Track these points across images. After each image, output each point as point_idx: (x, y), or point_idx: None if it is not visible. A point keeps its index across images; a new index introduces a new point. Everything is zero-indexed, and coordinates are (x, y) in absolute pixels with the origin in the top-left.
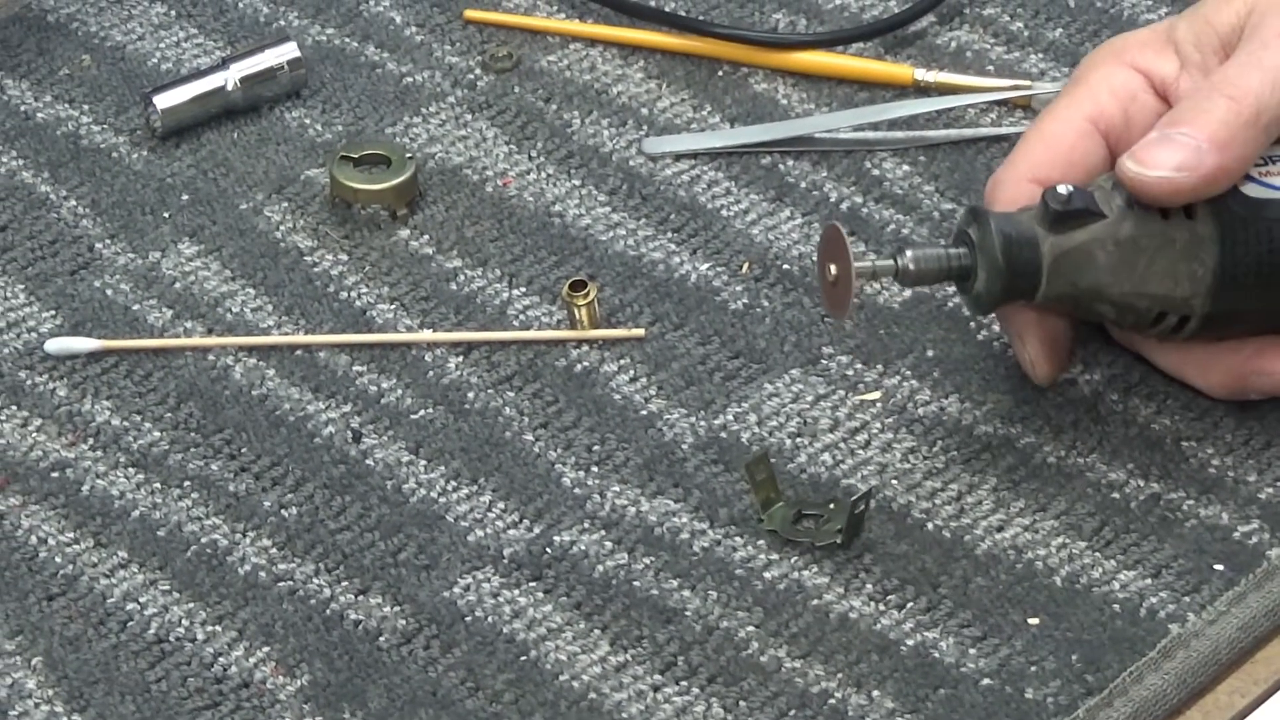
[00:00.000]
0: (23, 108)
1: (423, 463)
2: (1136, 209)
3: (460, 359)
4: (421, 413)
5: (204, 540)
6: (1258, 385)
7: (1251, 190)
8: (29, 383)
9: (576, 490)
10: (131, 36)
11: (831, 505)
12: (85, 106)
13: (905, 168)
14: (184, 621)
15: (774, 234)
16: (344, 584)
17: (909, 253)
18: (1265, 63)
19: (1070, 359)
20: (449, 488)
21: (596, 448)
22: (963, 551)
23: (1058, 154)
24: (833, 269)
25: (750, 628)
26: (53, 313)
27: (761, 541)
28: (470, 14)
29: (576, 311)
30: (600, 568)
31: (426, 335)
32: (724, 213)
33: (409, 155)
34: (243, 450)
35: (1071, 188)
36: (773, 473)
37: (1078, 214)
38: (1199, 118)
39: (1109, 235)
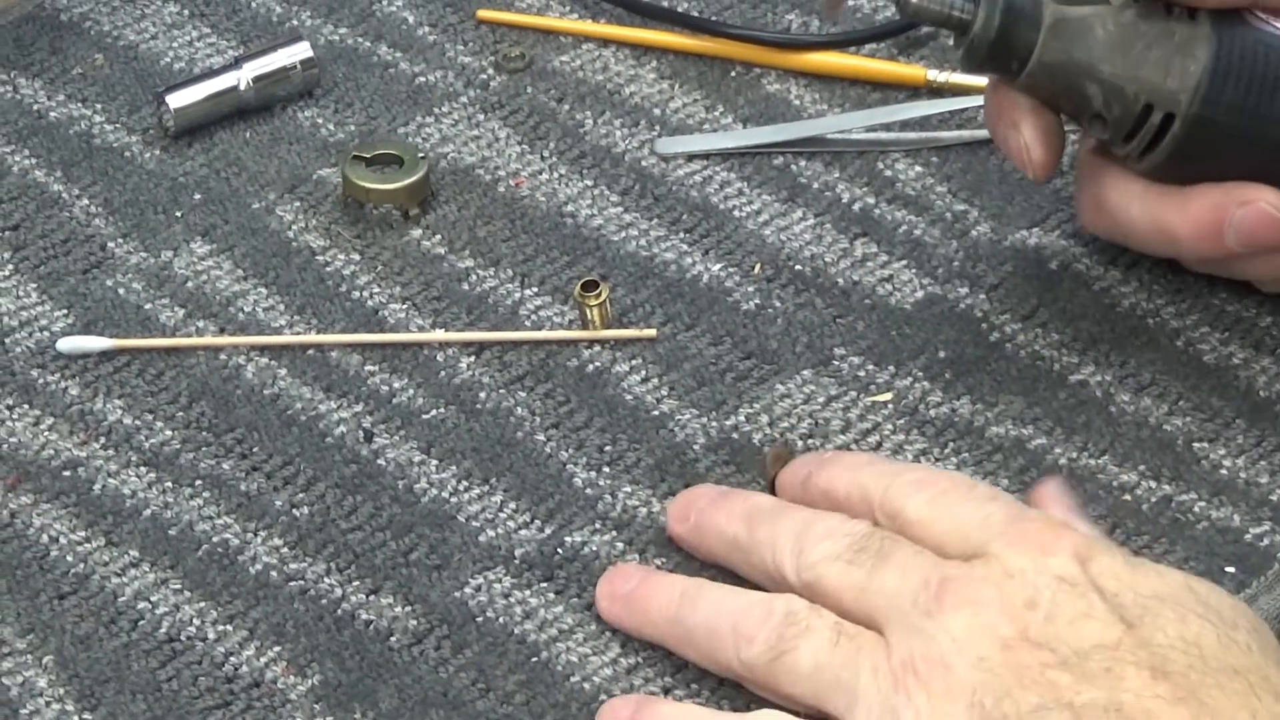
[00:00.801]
0: (35, 107)
1: (434, 463)
2: (1142, 2)
3: (472, 359)
4: (433, 413)
5: (215, 539)
6: (1237, 221)
7: (1257, 24)
8: (41, 381)
9: (588, 491)
10: (144, 36)
11: None
12: (98, 105)
13: (918, 169)
14: (195, 621)
15: (786, 235)
16: (355, 584)
17: None
18: None
19: (1061, 155)
20: (460, 488)
21: (608, 448)
22: None
23: None
24: None
25: None
26: (65, 312)
27: None
28: (483, 14)
29: (588, 312)
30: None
31: (438, 335)
32: (736, 213)
33: (421, 155)
34: (254, 450)
35: None
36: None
37: None
38: None
39: (1110, 14)
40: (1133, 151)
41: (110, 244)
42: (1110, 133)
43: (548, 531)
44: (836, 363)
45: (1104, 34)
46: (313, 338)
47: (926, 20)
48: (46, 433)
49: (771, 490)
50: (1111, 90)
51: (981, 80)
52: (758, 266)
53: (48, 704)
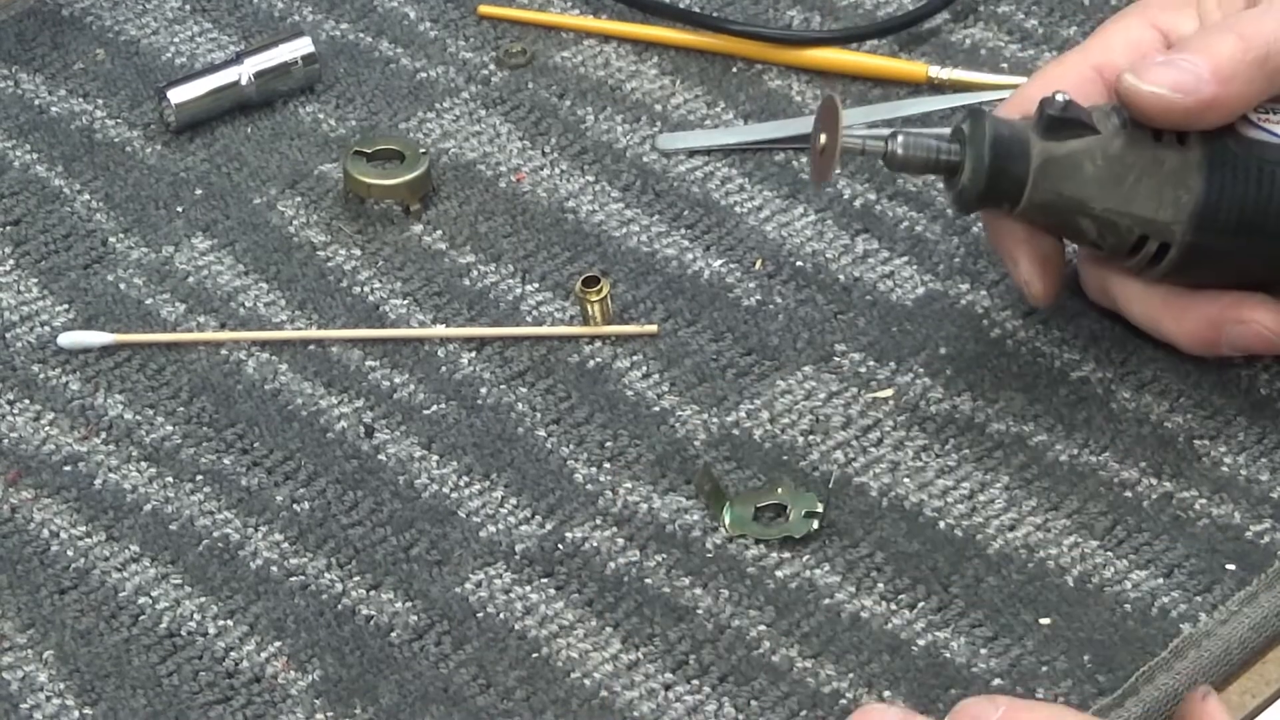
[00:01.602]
0: (37, 102)
1: (435, 458)
2: (1130, 129)
3: (473, 355)
4: (434, 408)
5: (216, 535)
6: (1232, 336)
7: (1249, 132)
8: (42, 376)
9: (588, 487)
10: (146, 31)
11: (780, 490)
12: (99, 101)
13: None
14: (196, 616)
15: (787, 230)
16: (356, 579)
17: (900, 137)
18: None
19: (1065, 281)
20: (461, 483)
21: (609, 444)
22: (974, 551)
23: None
24: (823, 138)
25: (762, 626)
26: (66, 306)
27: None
28: (484, 9)
29: (589, 308)
30: (612, 565)
31: (439, 331)
32: (737, 209)
33: (422, 150)
34: (255, 445)
35: (1069, 97)
36: (717, 481)
37: (1071, 123)
38: (1206, 49)
39: (1099, 148)
40: (1132, 268)
41: (111, 239)
42: (1107, 255)
43: (548, 527)
44: (837, 359)
45: (1093, 170)
46: (313, 333)
47: (914, 170)
48: (47, 428)
49: (707, 503)
50: (1105, 224)
51: (983, 77)
52: (759, 262)
53: (48, 699)
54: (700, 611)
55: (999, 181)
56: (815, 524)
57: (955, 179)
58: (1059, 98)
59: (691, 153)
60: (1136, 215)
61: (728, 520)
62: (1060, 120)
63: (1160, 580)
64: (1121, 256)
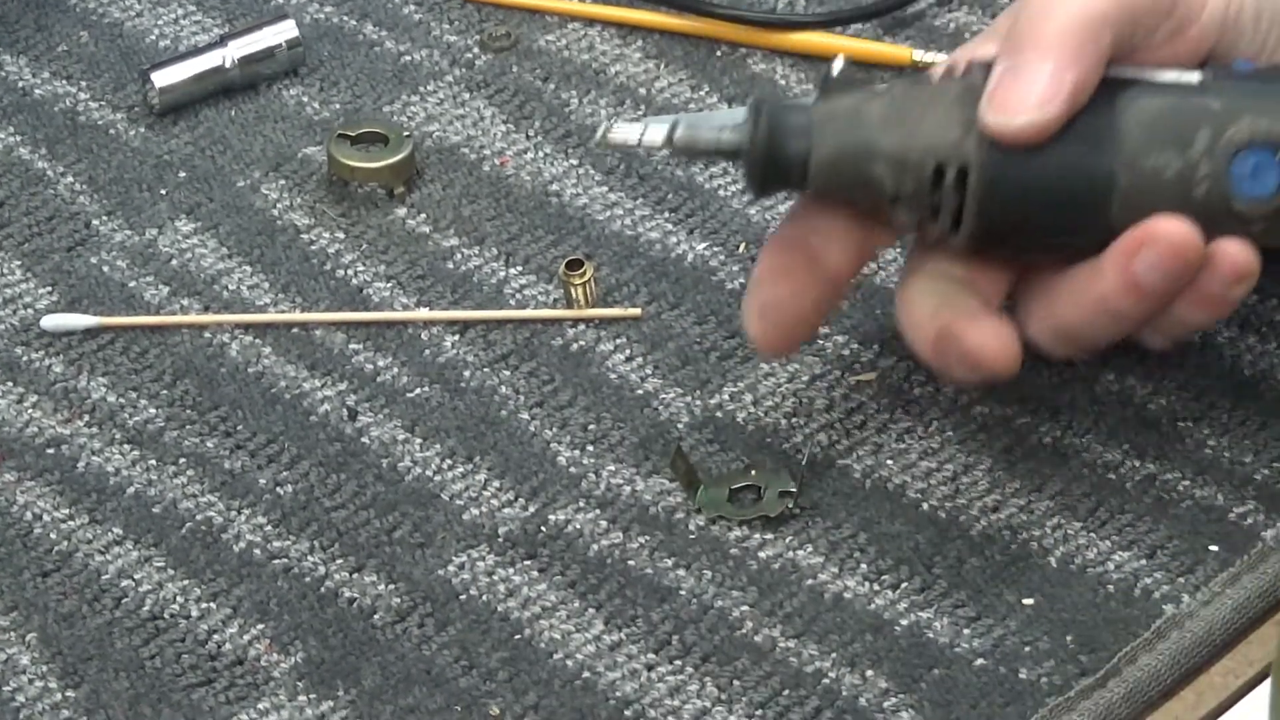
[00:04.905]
0: (20, 84)
1: (418, 441)
2: (910, 77)
3: (456, 337)
4: (417, 391)
5: (199, 517)
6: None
7: None
8: (25, 359)
9: (572, 469)
10: (130, 13)
11: (754, 473)
12: (83, 83)
13: None
14: (178, 598)
15: (771, 214)
16: (339, 562)
17: (681, 127)
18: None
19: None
20: (444, 466)
21: (592, 426)
22: (958, 531)
23: None
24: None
25: (744, 607)
26: (49, 289)
27: (756, 521)
28: None
29: (573, 290)
30: (595, 546)
31: (423, 314)
32: (721, 193)
33: (406, 134)
34: (238, 427)
35: (847, 60)
36: (690, 463)
37: (850, 81)
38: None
39: (880, 94)
40: (946, 228)
41: (95, 221)
42: (919, 212)
43: (531, 510)
44: (821, 342)
45: (877, 112)
46: (297, 316)
47: (699, 155)
48: (30, 410)
49: (685, 484)
50: (898, 164)
51: None
52: (743, 246)
53: (30, 681)
54: (683, 593)
55: (781, 147)
56: (790, 503)
57: (740, 159)
58: (837, 63)
59: None
60: (927, 144)
61: (701, 502)
62: (841, 82)
63: (1143, 561)
64: (930, 208)
